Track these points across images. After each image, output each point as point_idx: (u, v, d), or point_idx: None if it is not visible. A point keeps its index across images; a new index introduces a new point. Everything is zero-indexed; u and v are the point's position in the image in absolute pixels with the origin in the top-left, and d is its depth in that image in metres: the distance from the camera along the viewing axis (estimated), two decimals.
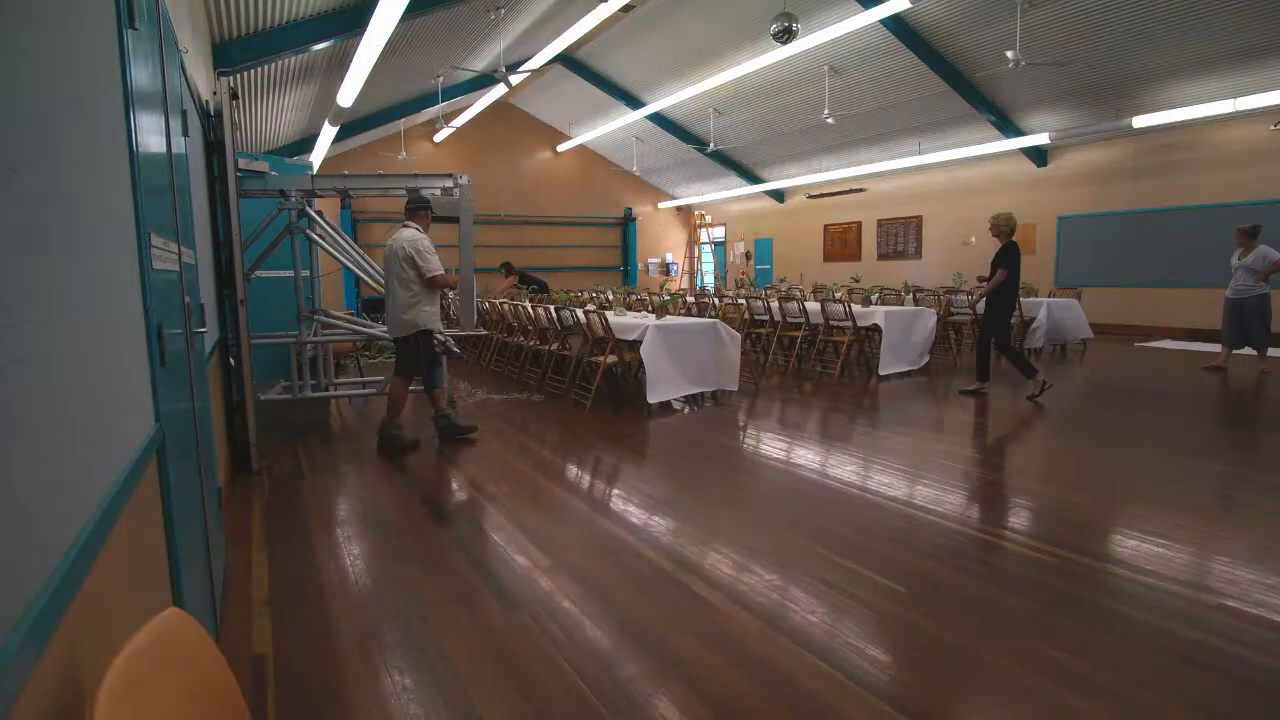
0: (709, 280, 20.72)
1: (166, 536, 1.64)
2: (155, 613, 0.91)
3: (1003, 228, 6.40)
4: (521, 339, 7.97)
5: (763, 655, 2.22)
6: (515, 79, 10.34)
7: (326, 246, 5.57)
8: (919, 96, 11.79)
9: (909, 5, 8.33)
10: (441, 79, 12.42)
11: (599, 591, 2.69)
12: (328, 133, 10.56)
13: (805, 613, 2.49)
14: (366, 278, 5.52)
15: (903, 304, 9.08)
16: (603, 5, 7.71)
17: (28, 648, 0.71)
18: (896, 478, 4.08)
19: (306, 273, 5.72)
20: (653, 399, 5.91)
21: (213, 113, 4.47)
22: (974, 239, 13.64)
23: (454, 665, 2.18)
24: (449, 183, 5.37)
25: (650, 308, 8.55)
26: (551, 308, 7.22)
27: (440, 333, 4.78)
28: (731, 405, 6.28)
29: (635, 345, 6.03)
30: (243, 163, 4.80)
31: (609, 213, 19.61)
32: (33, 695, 0.74)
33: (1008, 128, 11.81)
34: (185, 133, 2.70)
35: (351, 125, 12.86)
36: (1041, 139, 11.36)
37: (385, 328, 5.11)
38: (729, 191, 18.02)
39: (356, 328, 5.94)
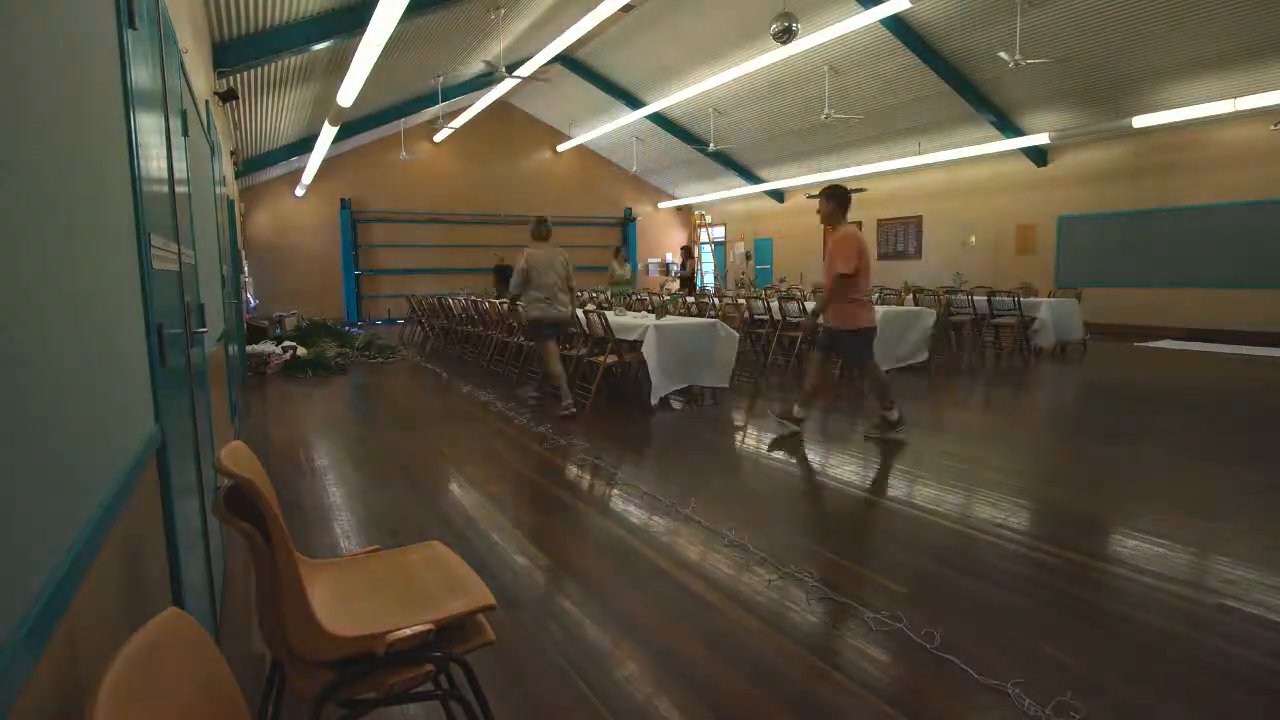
0: (709, 280, 20.72)
1: (166, 537, 1.64)
2: (155, 613, 0.91)
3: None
4: (521, 339, 7.97)
5: (763, 655, 2.22)
6: (523, 72, 10.32)
7: None
8: (919, 96, 11.80)
9: (909, 5, 8.32)
10: (441, 79, 12.42)
11: (599, 591, 2.69)
12: (328, 133, 10.56)
13: (805, 613, 2.49)
14: None
15: (903, 304, 9.08)
16: (603, 5, 7.70)
17: (28, 648, 0.71)
18: (896, 477, 4.08)
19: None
20: (655, 399, 5.94)
21: None
22: (974, 239, 13.65)
23: None
24: None
25: (650, 308, 8.55)
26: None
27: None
28: (732, 405, 6.28)
29: (635, 345, 6.04)
30: None
31: (609, 213, 19.62)
32: (33, 695, 0.74)
33: (1008, 128, 11.81)
34: (185, 132, 2.70)
35: (351, 125, 12.86)
36: (1041, 139, 11.37)
37: None
38: (729, 191, 18.02)
39: None
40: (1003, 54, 8.25)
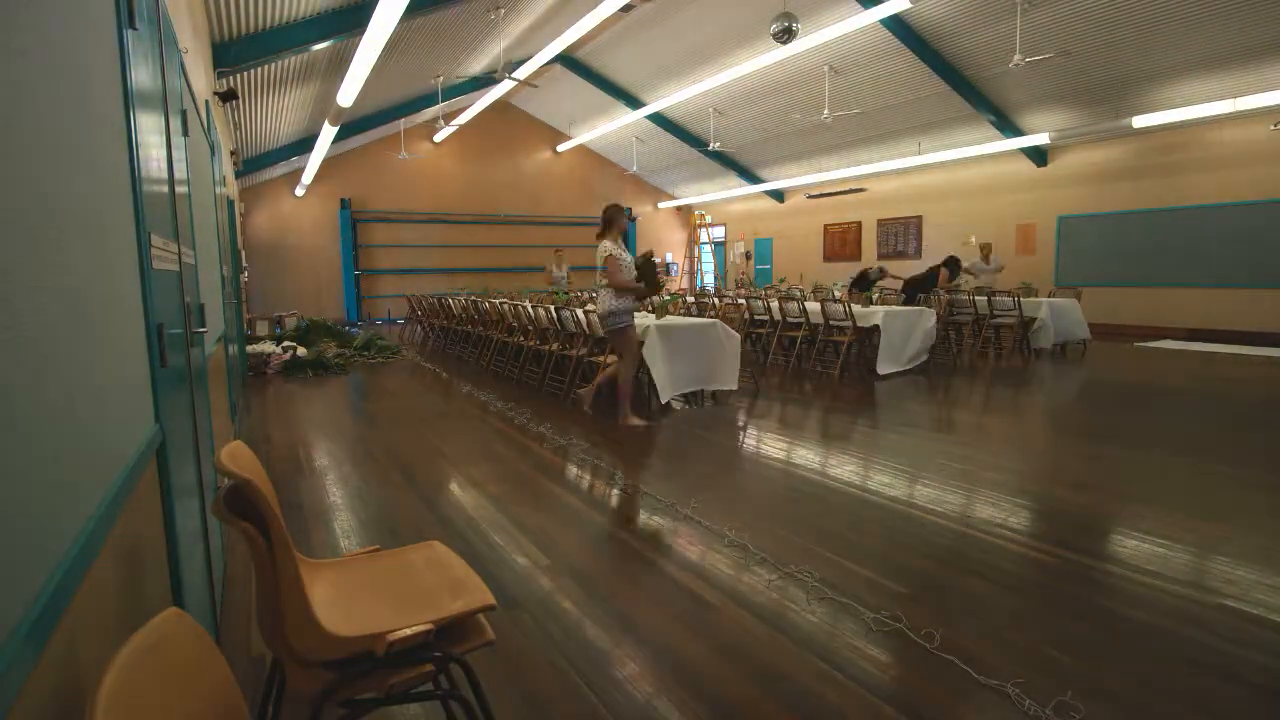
0: (709, 280, 20.72)
1: (166, 537, 1.64)
2: (155, 613, 0.91)
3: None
4: (521, 339, 7.97)
5: (763, 655, 2.22)
6: (522, 73, 10.33)
7: None
8: (919, 96, 11.80)
9: (909, 5, 8.33)
10: (441, 79, 12.42)
11: (599, 591, 2.69)
12: (328, 132, 10.56)
13: (805, 613, 2.49)
14: None
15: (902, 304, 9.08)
16: (603, 5, 7.70)
17: (28, 648, 0.71)
18: (896, 477, 4.08)
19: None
20: (664, 399, 5.90)
21: None
22: (974, 239, 13.65)
23: None
24: None
25: (650, 308, 8.54)
26: (551, 308, 7.22)
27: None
28: (731, 405, 6.28)
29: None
30: None
31: None
32: (33, 695, 0.74)
33: (1008, 128, 11.81)
34: (185, 132, 2.70)
35: (351, 125, 12.86)
36: (1041, 139, 11.37)
37: None
38: (729, 191, 18.02)
39: None
40: (1018, 59, 8.24)
